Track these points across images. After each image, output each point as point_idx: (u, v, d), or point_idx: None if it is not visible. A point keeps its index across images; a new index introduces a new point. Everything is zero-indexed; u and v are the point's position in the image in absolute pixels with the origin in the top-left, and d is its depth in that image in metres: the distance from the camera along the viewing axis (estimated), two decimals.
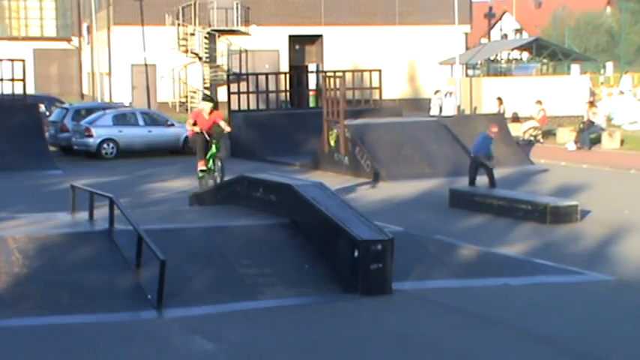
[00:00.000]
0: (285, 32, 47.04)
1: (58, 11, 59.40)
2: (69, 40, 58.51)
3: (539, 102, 33.21)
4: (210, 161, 18.73)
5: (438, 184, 21.98)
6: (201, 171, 18.62)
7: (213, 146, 18.56)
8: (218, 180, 17.62)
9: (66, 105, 36.19)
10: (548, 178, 23.30)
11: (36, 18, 58.79)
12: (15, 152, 26.70)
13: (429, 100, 40.54)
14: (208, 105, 18.75)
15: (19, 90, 29.07)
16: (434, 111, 37.88)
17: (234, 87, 32.95)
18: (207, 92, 40.15)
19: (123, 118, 31.23)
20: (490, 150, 20.35)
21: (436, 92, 39.30)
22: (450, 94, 38.54)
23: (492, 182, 20.06)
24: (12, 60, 29.71)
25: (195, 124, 18.55)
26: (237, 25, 46.66)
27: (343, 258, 12.28)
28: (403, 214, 17.85)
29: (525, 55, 46.89)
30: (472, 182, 20.20)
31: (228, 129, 19.23)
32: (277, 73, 35.99)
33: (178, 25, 45.99)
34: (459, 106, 37.96)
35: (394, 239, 12.22)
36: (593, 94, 38.99)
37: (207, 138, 18.50)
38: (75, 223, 14.24)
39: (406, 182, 21.64)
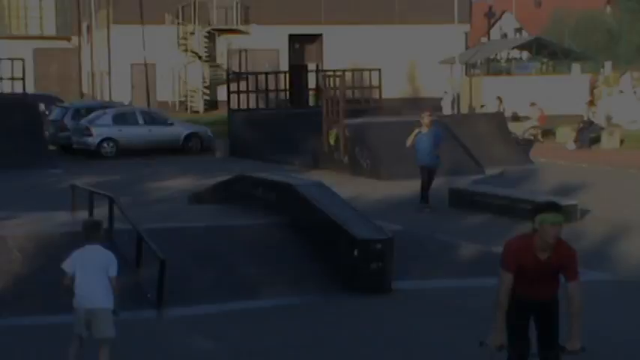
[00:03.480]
0: (285, 31, 46.98)
1: (57, 10, 59.27)
2: (69, 39, 58.41)
3: (534, 104, 33.17)
4: None
5: (438, 183, 21.95)
6: None
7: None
8: None
9: (66, 104, 36.16)
10: (548, 177, 23.29)
11: (35, 17, 58.70)
12: (15, 151, 26.65)
13: (430, 99, 40.46)
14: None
15: (18, 89, 29.07)
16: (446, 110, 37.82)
17: (233, 86, 32.92)
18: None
19: (123, 117, 31.19)
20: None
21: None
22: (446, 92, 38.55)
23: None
24: (11, 59, 29.69)
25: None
26: (237, 24, 46.63)
27: (343, 257, 12.27)
28: (403, 214, 17.84)
29: (525, 54, 46.85)
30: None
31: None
32: (277, 72, 35.92)
33: (178, 24, 45.96)
34: (458, 104, 37.94)
35: (394, 238, 12.23)
36: (592, 93, 38.95)
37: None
38: (75, 222, 14.21)
39: (406, 181, 21.60)
